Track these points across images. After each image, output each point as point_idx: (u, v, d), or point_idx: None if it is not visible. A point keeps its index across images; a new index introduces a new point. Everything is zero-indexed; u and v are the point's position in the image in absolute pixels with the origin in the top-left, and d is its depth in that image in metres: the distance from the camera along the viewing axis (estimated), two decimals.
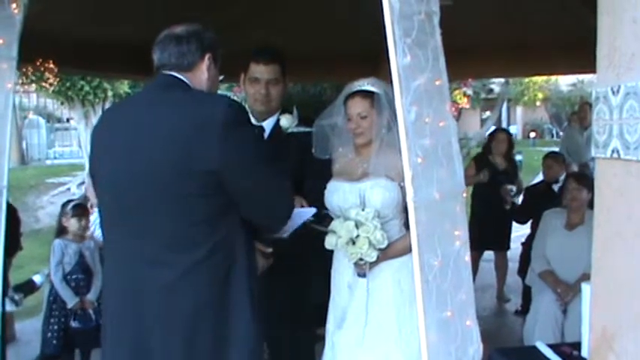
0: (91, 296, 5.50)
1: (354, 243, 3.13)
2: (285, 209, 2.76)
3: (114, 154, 2.62)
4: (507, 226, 7.71)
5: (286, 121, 3.64)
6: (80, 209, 5.68)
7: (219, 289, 2.54)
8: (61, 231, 5.66)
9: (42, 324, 5.54)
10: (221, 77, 2.83)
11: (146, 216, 2.53)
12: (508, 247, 7.78)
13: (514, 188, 7.30)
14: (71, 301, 5.41)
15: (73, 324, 5.42)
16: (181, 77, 2.65)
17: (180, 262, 2.50)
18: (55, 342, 5.42)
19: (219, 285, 2.54)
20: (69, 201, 6.05)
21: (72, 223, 5.59)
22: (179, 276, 2.51)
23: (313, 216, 3.07)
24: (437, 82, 2.60)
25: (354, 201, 3.22)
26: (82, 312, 5.45)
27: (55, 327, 5.43)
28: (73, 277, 5.51)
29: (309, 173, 3.49)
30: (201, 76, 2.70)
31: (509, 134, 8.24)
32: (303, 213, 3.00)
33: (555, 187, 6.99)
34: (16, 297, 5.48)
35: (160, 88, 2.69)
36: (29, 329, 6.21)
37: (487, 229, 7.45)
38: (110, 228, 2.74)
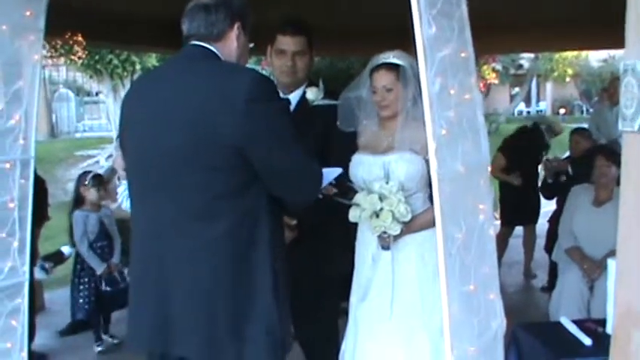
0: (115, 259, 5.83)
1: (377, 216, 3.12)
2: (312, 186, 2.73)
3: (142, 124, 2.63)
4: (537, 200, 7.75)
5: (312, 94, 3.62)
6: (98, 180, 5.93)
7: (239, 264, 2.54)
8: (78, 201, 5.90)
9: (70, 292, 5.83)
10: (251, 45, 2.81)
11: (172, 187, 2.54)
12: (536, 221, 7.80)
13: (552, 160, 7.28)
14: (99, 267, 5.72)
15: (104, 288, 5.71)
16: (210, 47, 2.63)
17: (202, 234, 2.52)
18: (86, 307, 5.75)
19: (240, 261, 2.54)
20: (86, 172, 6.34)
21: (91, 193, 5.84)
22: (200, 247, 2.52)
23: (336, 186, 3.04)
24: (462, 54, 2.57)
25: (378, 174, 3.21)
26: (110, 276, 5.74)
27: (86, 293, 5.75)
28: (98, 244, 5.81)
29: (334, 146, 3.48)
30: (230, 45, 2.67)
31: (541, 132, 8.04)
32: (330, 173, 2.95)
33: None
34: (46, 265, 5.69)
35: (188, 58, 2.67)
36: (58, 299, 6.31)
37: (517, 206, 7.50)
38: (137, 197, 2.75)
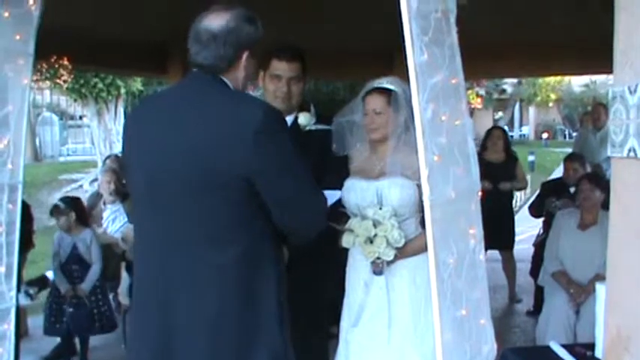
0: (85, 286, 5.88)
1: (371, 242, 3.14)
2: (318, 220, 2.69)
3: (150, 147, 2.58)
4: (509, 224, 7.72)
5: (304, 119, 3.63)
6: (56, 210, 6.05)
7: (247, 293, 2.51)
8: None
9: (44, 309, 6.00)
10: None
11: (178, 213, 2.52)
12: (512, 246, 7.78)
13: (558, 203, 6.93)
14: (64, 287, 5.83)
15: (67, 309, 5.82)
16: (218, 75, 2.61)
17: (212, 260, 2.49)
18: (47, 325, 5.93)
19: (247, 290, 2.51)
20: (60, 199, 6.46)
21: (59, 222, 6.02)
22: (209, 274, 2.50)
23: (331, 207, 3.03)
24: (453, 81, 2.59)
25: (372, 199, 3.23)
26: (76, 299, 5.83)
27: (48, 313, 5.93)
28: (68, 267, 5.92)
29: (328, 171, 3.47)
30: (238, 74, 2.64)
31: (504, 131, 8.19)
32: (328, 196, 2.96)
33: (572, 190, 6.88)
34: (31, 291, 5.71)
35: (196, 86, 2.63)
36: (42, 324, 6.23)
37: (488, 228, 7.32)
38: (143, 219, 2.71)
